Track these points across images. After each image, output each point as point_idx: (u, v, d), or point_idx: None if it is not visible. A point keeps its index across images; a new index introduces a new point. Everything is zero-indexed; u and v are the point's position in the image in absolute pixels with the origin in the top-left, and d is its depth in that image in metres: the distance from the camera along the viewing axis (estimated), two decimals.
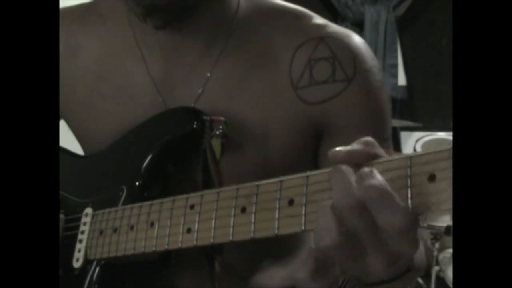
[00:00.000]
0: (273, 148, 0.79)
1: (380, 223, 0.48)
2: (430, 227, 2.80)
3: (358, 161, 0.51)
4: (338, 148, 0.51)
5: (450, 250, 3.02)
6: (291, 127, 0.79)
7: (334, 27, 0.82)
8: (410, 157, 0.48)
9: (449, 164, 0.45)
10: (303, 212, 0.54)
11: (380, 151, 0.52)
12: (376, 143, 0.52)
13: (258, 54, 0.81)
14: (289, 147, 0.80)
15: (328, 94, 0.78)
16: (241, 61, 0.81)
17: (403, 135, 3.45)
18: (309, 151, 0.82)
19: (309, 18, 0.82)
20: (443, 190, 0.46)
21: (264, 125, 0.79)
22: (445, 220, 2.72)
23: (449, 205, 0.45)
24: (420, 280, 3.26)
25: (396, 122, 3.13)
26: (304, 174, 0.55)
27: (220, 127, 0.75)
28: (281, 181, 0.56)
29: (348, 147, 0.51)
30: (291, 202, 0.55)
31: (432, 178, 0.46)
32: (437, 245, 2.88)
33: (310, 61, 0.78)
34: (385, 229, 0.48)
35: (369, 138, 0.52)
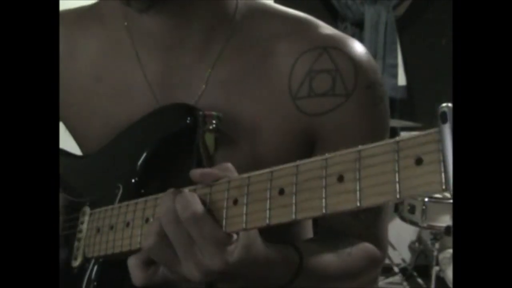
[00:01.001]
0: (266, 148, 0.79)
1: (194, 238, 0.61)
2: (430, 227, 2.80)
3: (210, 180, 0.63)
4: (195, 170, 0.64)
5: (450, 250, 3.02)
6: (285, 133, 0.79)
7: (339, 37, 0.80)
8: (397, 142, 0.48)
9: (435, 147, 0.45)
10: (294, 202, 0.54)
11: (233, 174, 0.63)
12: (232, 168, 0.64)
13: (259, 57, 0.79)
14: (281, 148, 0.79)
15: (326, 107, 0.77)
16: (240, 63, 0.80)
17: (403, 135, 3.45)
18: (300, 154, 0.81)
19: (315, 26, 0.81)
20: (431, 173, 0.45)
21: (258, 126, 0.79)
22: (445, 220, 2.72)
23: (437, 188, 0.45)
24: (420, 280, 3.26)
25: (396, 122, 3.13)
26: (294, 164, 0.55)
27: (214, 121, 0.75)
28: (272, 172, 0.57)
29: (205, 170, 0.64)
30: (281, 192, 0.55)
31: (419, 161, 0.46)
32: (437, 245, 2.89)
33: (311, 72, 0.77)
34: (197, 243, 0.61)
35: (228, 165, 0.64)
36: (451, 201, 0.46)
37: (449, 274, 2.92)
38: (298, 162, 0.55)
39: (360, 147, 0.51)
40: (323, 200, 0.52)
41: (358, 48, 0.79)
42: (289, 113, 0.78)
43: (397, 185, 0.47)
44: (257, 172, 0.58)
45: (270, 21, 0.81)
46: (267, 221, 0.56)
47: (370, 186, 0.49)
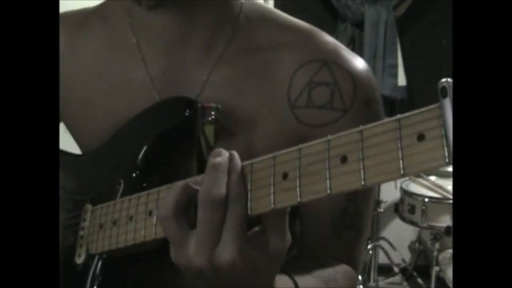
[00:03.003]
0: (262, 143, 0.80)
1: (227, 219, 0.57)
2: (430, 227, 2.81)
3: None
4: (220, 150, 0.60)
5: (450, 250, 3.02)
6: (281, 135, 0.79)
7: (342, 51, 0.80)
8: (398, 120, 0.48)
9: (437, 122, 0.46)
10: (298, 185, 0.54)
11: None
12: (237, 157, 0.60)
13: (261, 62, 0.80)
14: (274, 147, 0.80)
15: (322, 120, 0.78)
16: (242, 65, 0.81)
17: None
18: None
19: (318, 38, 0.81)
20: (433, 149, 0.46)
21: (257, 122, 0.79)
22: (445, 220, 2.73)
23: (440, 162, 0.45)
24: (420, 280, 3.27)
25: None
26: (296, 148, 0.55)
27: (212, 113, 0.75)
28: (274, 157, 0.57)
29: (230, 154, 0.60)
30: (285, 176, 0.55)
31: (421, 137, 0.46)
32: (437, 245, 2.89)
33: (311, 83, 0.78)
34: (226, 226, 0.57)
35: (233, 153, 0.60)
36: (451, 201, 0.46)
37: (449, 274, 2.92)
38: (300, 146, 0.55)
39: (361, 127, 0.51)
40: (327, 182, 0.52)
41: (359, 64, 0.80)
42: (286, 119, 0.79)
43: (401, 163, 0.47)
44: (259, 158, 0.58)
45: (274, 28, 0.82)
46: (272, 206, 0.56)
47: (374, 165, 0.49)
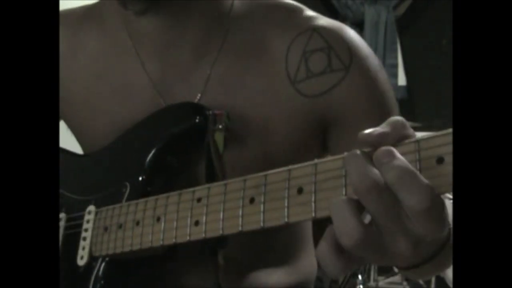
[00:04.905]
0: (275, 142, 0.80)
1: (404, 202, 0.46)
2: None
3: (390, 143, 0.48)
4: (368, 131, 0.49)
5: None
6: (292, 122, 0.79)
7: (326, 19, 0.82)
8: (418, 141, 0.48)
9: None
10: (313, 199, 0.53)
11: (410, 131, 0.50)
12: (406, 124, 0.50)
13: (255, 51, 0.81)
14: (290, 142, 0.80)
15: (327, 85, 0.78)
16: (238, 59, 0.81)
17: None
18: (312, 145, 0.82)
19: (300, 11, 0.82)
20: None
21: (264, 120, 0.79)
22: None
23: None
24: (420, 280, 3.26)
25: None
26: (312, 162, 0.54)
27: (223, 120, 0.75)
28: (290, 170, 0.56)
29: (380, 130, 0.49)
30: (300, 191, 0.54)
31: (440, 160, 0.46)
32: None
33: (305, 53, 0.78)
34: (409, 210, 0.46)
35: (399, 118, 0.50)
36: (451, 201, 0.46)
37: (449, 274, 2.92)
38: (316, 161, 0.54)
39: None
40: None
41: (346, 27, 0.81)
42: (292, 100, 0.79)
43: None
44: (274, 171, 0.58)
45: (262, 14, 0.83)
46: (286, 219, 0.55)
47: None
